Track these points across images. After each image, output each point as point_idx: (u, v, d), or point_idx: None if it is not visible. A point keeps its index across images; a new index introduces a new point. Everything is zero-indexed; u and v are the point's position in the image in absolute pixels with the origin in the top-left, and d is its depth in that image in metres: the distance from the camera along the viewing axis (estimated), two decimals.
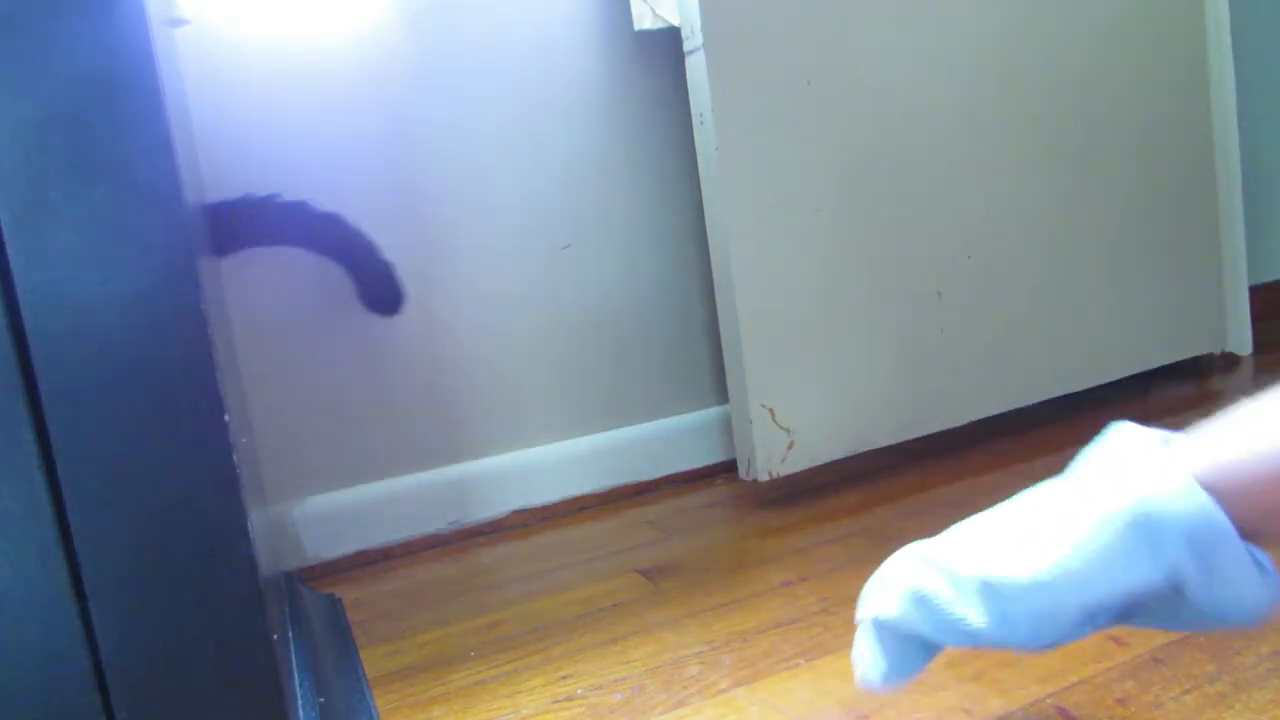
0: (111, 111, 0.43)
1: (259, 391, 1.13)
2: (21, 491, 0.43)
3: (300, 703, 0.65)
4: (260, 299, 1.13)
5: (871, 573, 0.57)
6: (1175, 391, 1.53)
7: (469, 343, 1.24)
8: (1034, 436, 1.37)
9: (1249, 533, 0.45)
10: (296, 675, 0.70)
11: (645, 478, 1.35)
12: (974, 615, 0.49)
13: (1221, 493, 0.45)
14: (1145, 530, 0.46)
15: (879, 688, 0.54)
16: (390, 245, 1.19)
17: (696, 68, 1.13)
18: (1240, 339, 1.66)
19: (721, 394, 1.40)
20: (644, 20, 1.24)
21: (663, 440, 1.36)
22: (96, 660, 0.45)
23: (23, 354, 0.42)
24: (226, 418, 0.46)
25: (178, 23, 0.92)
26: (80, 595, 0.44)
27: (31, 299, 0.42)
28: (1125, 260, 1.48)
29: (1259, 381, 1.52)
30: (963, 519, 0.55)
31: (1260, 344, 1.71)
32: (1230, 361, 1.66)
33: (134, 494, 0.44)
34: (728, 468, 1.39)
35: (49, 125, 0.42)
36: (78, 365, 0.43)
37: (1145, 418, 0.51)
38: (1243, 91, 1.71)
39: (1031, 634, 0.49)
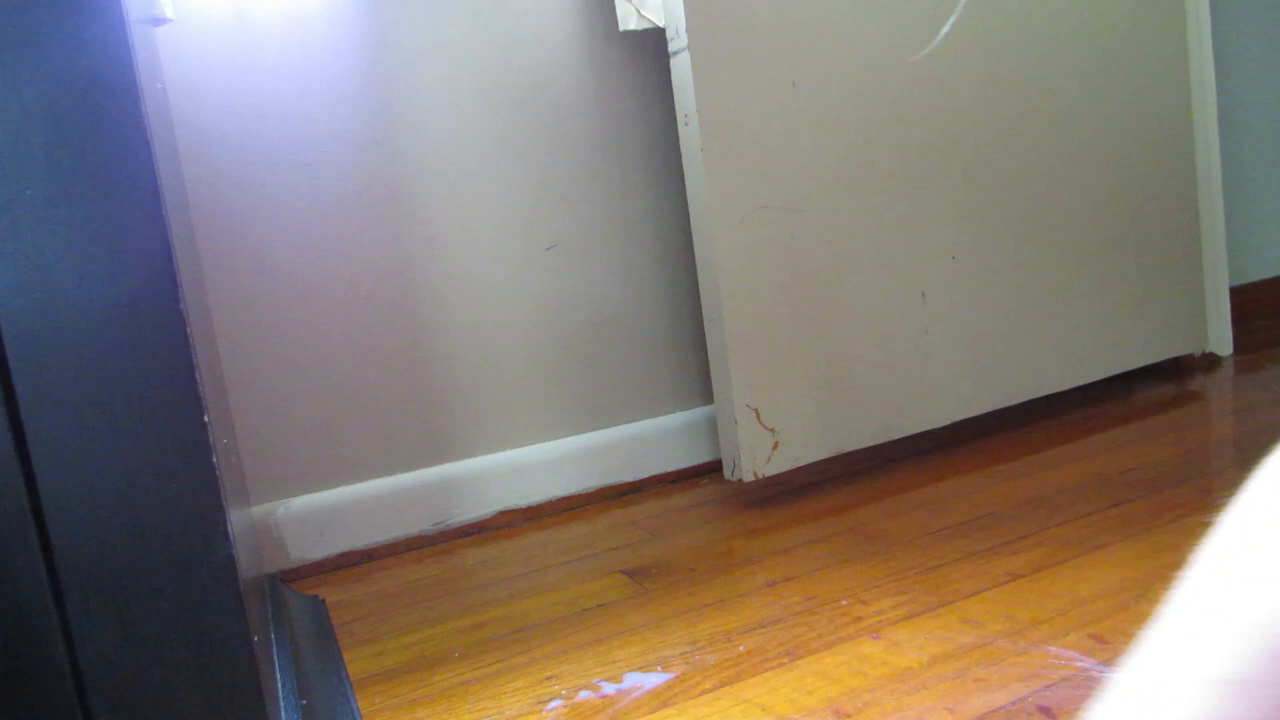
0: (90, 110, 0.42)
1: (242, 391, 1.12)
2: None
3: (282, 704, 0.65)
4: (243, 298, 1.12)
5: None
6: (1156, 391, 1.54)
7: (453, 343, 1.24)
8: (1017, 436, 1.37)
9: None
10: (279, 677, 0.70)
11: (630, 478, 1.35)
12: None
13: None
14: None
15: None
16: (374, 245, 1.18)
17: (681, 68, 1.14)
18: (1220, 340, 1.67)
19: (707, 395, 1.40)
20: (629, 21, 1.25)
21: (648, 441, 1.36)
22: (74, 663, 0.44)
23: None
24: (206, 418, 0.46)
25: (158, 21, 0.92)
26: (58, 597, 0.44)
27: (7, 298, 0.42)
28: (1107, 262, 1.49)
29: (1238, 382, 1.53)
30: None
31: (1240, 345, 1.72)
32: (1211, 362, 1.67)
33: (112, 495, 0.44)
34: (713, 468, 1.39)
35: (26, 123, 0.41)
36: (54, 365, 0.43)
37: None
38: (1223, 93, 1.73)
39: None
